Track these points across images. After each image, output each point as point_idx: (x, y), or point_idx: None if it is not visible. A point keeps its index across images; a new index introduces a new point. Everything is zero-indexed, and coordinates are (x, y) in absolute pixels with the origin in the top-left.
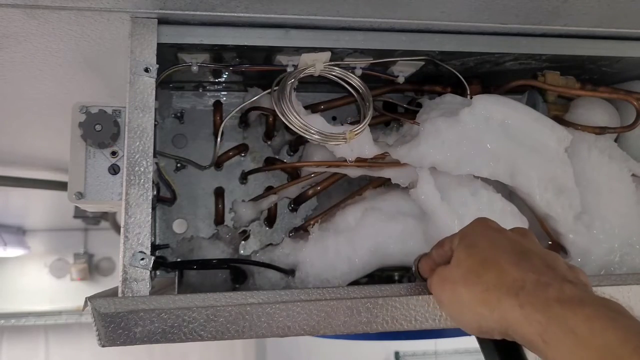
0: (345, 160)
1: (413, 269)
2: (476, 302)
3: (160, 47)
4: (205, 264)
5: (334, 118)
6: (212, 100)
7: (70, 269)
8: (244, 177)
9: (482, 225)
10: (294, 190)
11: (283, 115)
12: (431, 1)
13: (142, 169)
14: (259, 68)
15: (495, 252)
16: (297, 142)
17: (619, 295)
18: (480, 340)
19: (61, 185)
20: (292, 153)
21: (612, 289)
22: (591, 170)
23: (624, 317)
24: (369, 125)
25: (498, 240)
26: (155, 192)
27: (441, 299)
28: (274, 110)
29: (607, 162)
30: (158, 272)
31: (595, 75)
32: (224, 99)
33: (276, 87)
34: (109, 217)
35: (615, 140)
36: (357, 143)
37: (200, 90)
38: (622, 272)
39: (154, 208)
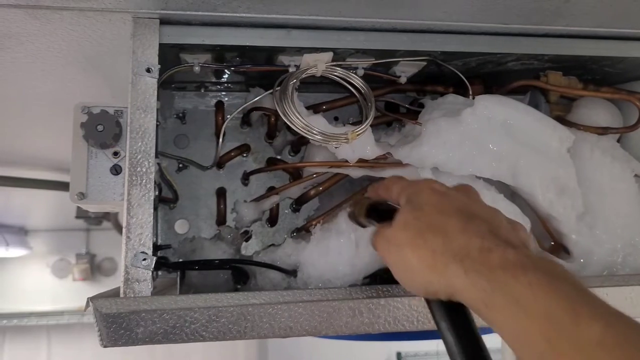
0: (347, 161)
1: (348, 210)
2: (424, 267)
3: (162, 47)
4: (207, 265)
5: (336, 118)
6: (214, 101)
7: (72, 269)
8: (245, 178)
9: (429, 187)
10: (295, 191)
11: (285, 116)
12: (433, 1)
13: (144, 170)
14: (261, 68)
15: (441, 216)
16: (299, 143)
17: (621, 296)
18: (428, 301)
19: (63, 186)
20: (293, 153)
21: (615, 290)
22: (593, 171)
23: (565, 284)
24: (371, 125)
25: (444, 203)
26: (157, 193)
27: (388, 260)
28: (276, 111)
29: (609, 162)
30: (160, 273)
31: (598, 75)
32: (226, 99)
33: (278, 88)
34: (111, 218)
35: (618, 141)
36: (358, 143)
37: (202, 91)
38: (624, 272)
39: (155, 208)
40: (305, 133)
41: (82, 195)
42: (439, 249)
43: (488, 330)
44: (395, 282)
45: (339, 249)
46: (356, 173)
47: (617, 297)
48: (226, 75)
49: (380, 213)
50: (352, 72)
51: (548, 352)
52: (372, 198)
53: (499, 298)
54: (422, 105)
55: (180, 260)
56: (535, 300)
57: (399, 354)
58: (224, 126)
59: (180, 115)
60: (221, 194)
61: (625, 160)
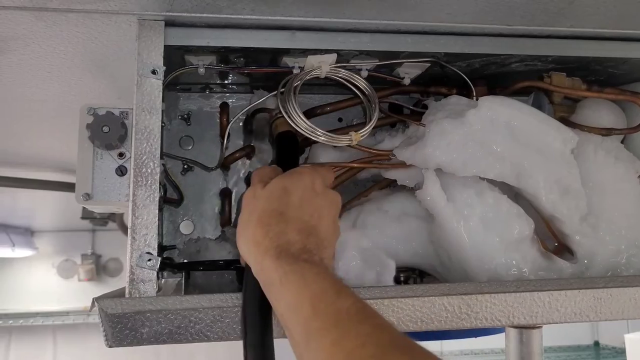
0: (351, 162)
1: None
2: (252, 237)
3: (167, 49)
4: (211, 266)
5: (339, 119)
6: (218, 102)
7: (78, 270)
8: (249, 179)
9: (310, 178)
10: None
11: (289, 117)
12: (437, 3)
13: (149, 171)
14: (265, 70)
15: (295, 213)
16: (303, 144)
17: (625, 297)
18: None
19: (69, 187)
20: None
21: (619, 291)
22: (597, 172)
23: (339, 281)
24: (375, 126)
25: (306, 203)
26: (162, 194)
27: (242, 209)
28: (280, 112)
29: (613, 163)
30: (165, 274)
31: (602, 76)
32: (231, 100)
33: (282, 89)
34: (116, 218)
35: (622, 142)
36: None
37: (207, 92)
38: (628, 273)
39: (160, 209)
40: (310, 134)
41: (87, 196)
42: (271, 235)
43: (492, 331)
44: (399, 282)
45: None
46: (361, 174)
47: (621, 298)
48: (231, 77)
49: (283, 150)
50: (356, 74)
51: (310, 316)
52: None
53: (292, 276)
54: (425, 107)
55: (185, 260)
56: (315, 279)
57: None
58: (228, 127)
59: (185, 116)
60: (226, 194)
61: (629, 161)
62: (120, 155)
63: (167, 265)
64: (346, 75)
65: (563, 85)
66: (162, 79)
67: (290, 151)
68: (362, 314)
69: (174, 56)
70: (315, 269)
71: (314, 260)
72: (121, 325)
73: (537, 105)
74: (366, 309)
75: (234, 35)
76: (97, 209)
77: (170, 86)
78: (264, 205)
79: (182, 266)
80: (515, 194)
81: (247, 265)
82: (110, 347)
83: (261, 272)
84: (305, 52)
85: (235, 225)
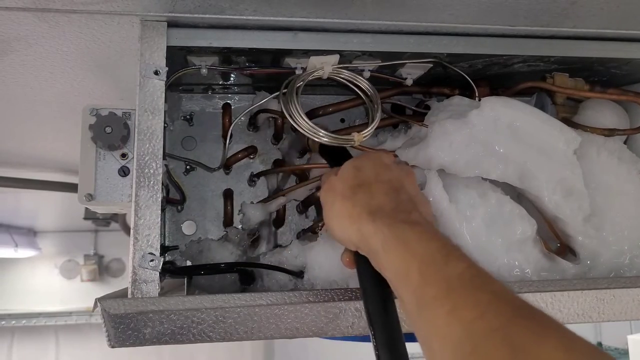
0: None
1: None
2: (343, 214)
3: (170, 49)
4: (213, 269)
5: (342, 120)
6: (221, 103)
7: (81, 270)
8: (252, 179)
9: (378, 156)
10: (302, 192)
11: (291, 118)
12: (439, 3)
13: (152, 171)
14: (268, 71)
15: (374, 179)
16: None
17: (628, 298)
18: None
19: (71, 187)
20: (300, 155)
21: (622, 292)
22: (600, 172)
23: (444, 239)
24: (378, 127)
25: (381, 172)
26: (164, 194)
27: (322, 201)
28: (282, 113)
29: (616, 163)
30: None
31: (604, 77)
32: (233, 101)
33: (284, 90)
34: (119, 219)
35: (625, 142)
36: None
37: (210, 93)
38: (632, 274)
39: (163, 210)
40: (312, 135)
41: (90, 197)
42: (360, 203)
43: None
44: None
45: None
46: None
47: (624, 299)
48: (233, 78)
49: (330, 152)
50: (359, 75)
51: (420, 284)
52: None
53: (394, 241)
54: (428, 107)
55: (187, 262)
56: (419, 243)
57: None
58: (231, 128)
59: (188, 117)
60: (228, 195)
61: (632, 161)
62: (123, 155)
63: (168, 271)
64: (348, 76)
65: (566, 85)
66: (165, 79)
67: (335, 147)
68: (477, 280)
69: (177, 57)
70: (417, 228)
71: (412, 220)
72: (124, 326)
73: (540, 106)
74: (481, 273)
75: (236, 36)
76: (99, 209)
77: (173, 87)
78: (342, 186)
79: (183, 271)
80: (518, 195)
81: (356, 258)
82: (112, 347)
83: (363, 243)
84: (307, 53)
85: (229, 225)
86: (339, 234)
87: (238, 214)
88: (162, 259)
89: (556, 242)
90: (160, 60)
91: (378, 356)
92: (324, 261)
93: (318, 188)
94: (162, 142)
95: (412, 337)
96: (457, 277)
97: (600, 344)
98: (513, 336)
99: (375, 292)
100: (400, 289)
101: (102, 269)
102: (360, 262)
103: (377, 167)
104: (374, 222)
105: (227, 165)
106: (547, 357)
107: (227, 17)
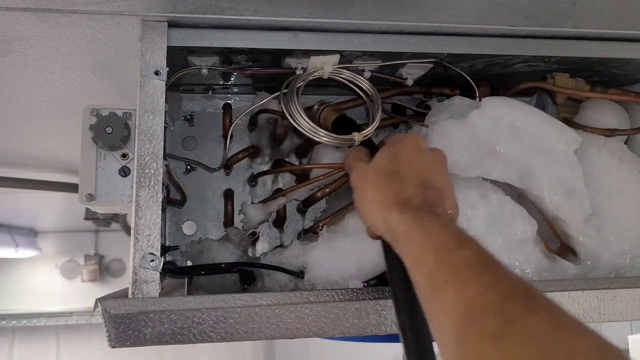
0: None
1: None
2: (373, 202)
3: (170, 50)
4: (213, 270)
5: None
6: (221, 103)
7: (81, 270)
8: (253, 179)
9: (412, 140)
10: (303, 193)
11: (292, 118)
12: (440, 3)
13: (152, 171)
14: (268, 71)
15: (407, 170)
16: (306, 145)
17: (629, 298)
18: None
19: (72, 187)
20: (300, 155)
21: (622, 292)
22: (601, 173)
23: (461, 231)
24: (378, 127)
25: (415, 161)
26: (165, 194)
27: (355, 189)
28: (283, 113)
29: (617, 164)
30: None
31: (605, 77)
32: (234, 101)
33: (285, 90)
34: (119, 219)
35: (626, 143)
36: None
37: (210, 93)
38: (632, 274)
39: (163, 210)
40: (312, 135)
41: (91, 197)
42: (391, 192)
43: None
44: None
45: (346, 250)
46: None
47: (625, 299)
48: (233, 78)
49: (345, 126)
50: (359, 75)
51: (434, 268)
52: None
53: (417, 229)
54: (428, 107)
55: (188, 262)
56: (439, 233)
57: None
58: (231, 128)
59: (188, 117)
60: (229, 195)
61: (633, 161)
62: (124, 156)
63: (168, 272)
64: (349, 76)
65: (566, 86)
66: (165, 79)
67: (356, 129)
68: (483, 264)
69: (177, 57)
70: (439, 220)
71: (437, 213)
72: (124, 326)
73: (541, 106)
74: (488, 259)
75: (236, 36)
76: (100, 209)
77: (173, 87)
78: (376, 174)
79: (183, 271)
80: (518, 195)
81: (383, 242)
82: (113, 347)
83: (388, 231)
84: (308, 53)
85: (229, 225)
86: (369, 220)
87: (238, 214)
88: (162, 259)
89: (557, 242)
90: (160, 61)
91: (403, 329)
92: (325, 261)
93: (319, 189)
94: (162, 142)
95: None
96: (465, 262)
97: None
98: (506, 310)
99: (400, 270)
100: (417, 275)
101: (103, 269)
102: (387, 244)
103: (411, 153)
104: (402, 213)
105: (227, 166)
106: (535, 327)
107: (228, 17)
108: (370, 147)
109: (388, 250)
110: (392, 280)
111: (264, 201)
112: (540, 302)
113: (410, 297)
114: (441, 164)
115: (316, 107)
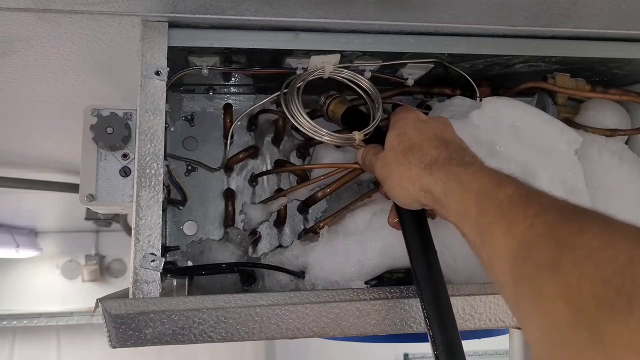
0: (356, 163)
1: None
2: (404, 178)
3: (171, 50)
4: (213, 270)
5: None
6: (222, 103)
7: (82, 271)
8: (253, 180)
9: (413, 115)
10: (303, 193)
11: (292, 117)
12: (440, 4)
13: (153, 172)
14: (269, 71)
15: (420, 138)
16: (307, 145)
17: None
18: (399, 209)
19: (73, 187)
20: (301, 156)
21: None
22: (602, 173)
23: (496, 172)
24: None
25: (423, 129)
26: (165, 194)
27: (380, 177)
28: (284, 113)
29: (617, 164)
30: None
31: (606, 77)
32: (234, 101)
33: (285, 90)
34: (120, 219)
35: (626, 142)
36: None
37: (211, 93)
38: None
39: (164, 210)
40: (313, 134)
41: (91, 197)
42: (414, 162)
43: (495, 332)
44: (403, 283)
45: (347, 250)
46: (364, 175)
47: None
48: (234, 78)
49: (355, 118)
50: (360, 75)
51: (478, 215)
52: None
53: (452, 183)
54: (429, 108)
55: (189, 262)
56: (475, 180)
57: (406, 355)
58: (232, 128)
59: (189, 117)
60: (229, 195)
61: (634, 161)
62: (124, 156)
63: (169, 271)
64: (349, 76)
65: (567, 86)
66: (166, 80)
67: (366, 120)
68: (526, 198)
69: (178, 57)
70: (471, 168)
71: (465, 162)
72: (125, 326)
73: (541, 106)
74: (530, 191)
75: (237, 37)
76: (101, 209)
77: (174, 87)
78: (394, 154)
79: (184, 271)
80: None
81: (401, 218)
82: (114, 347)
83: (427, 198)
84: (308, 53)
85: (230, 225)
86: (406, 199)
87: (239, 214)
88: (163, 260)
89: None
90: (161, 61)
91: (422, 300)
92: (325, 261)
93: (320, 189)
94: (163, 143)
95: (425, 337)
96: (507, 200)
97: None
98: (556, 234)
99: (420, 247)
100: (463, 227)
101: (104, 269)
102: (405, 219)
103: (416, 126)
104: (432, 174)
105: (228, 166)
106: (585, 244)
107: (228, 17)
108: (379, 136)
109: (407, 221)
110: (412, 256)
111: (265, 201)
112: (591, 220)
113: (431, 272)
114: (448, 125)
115: (323, 99)
